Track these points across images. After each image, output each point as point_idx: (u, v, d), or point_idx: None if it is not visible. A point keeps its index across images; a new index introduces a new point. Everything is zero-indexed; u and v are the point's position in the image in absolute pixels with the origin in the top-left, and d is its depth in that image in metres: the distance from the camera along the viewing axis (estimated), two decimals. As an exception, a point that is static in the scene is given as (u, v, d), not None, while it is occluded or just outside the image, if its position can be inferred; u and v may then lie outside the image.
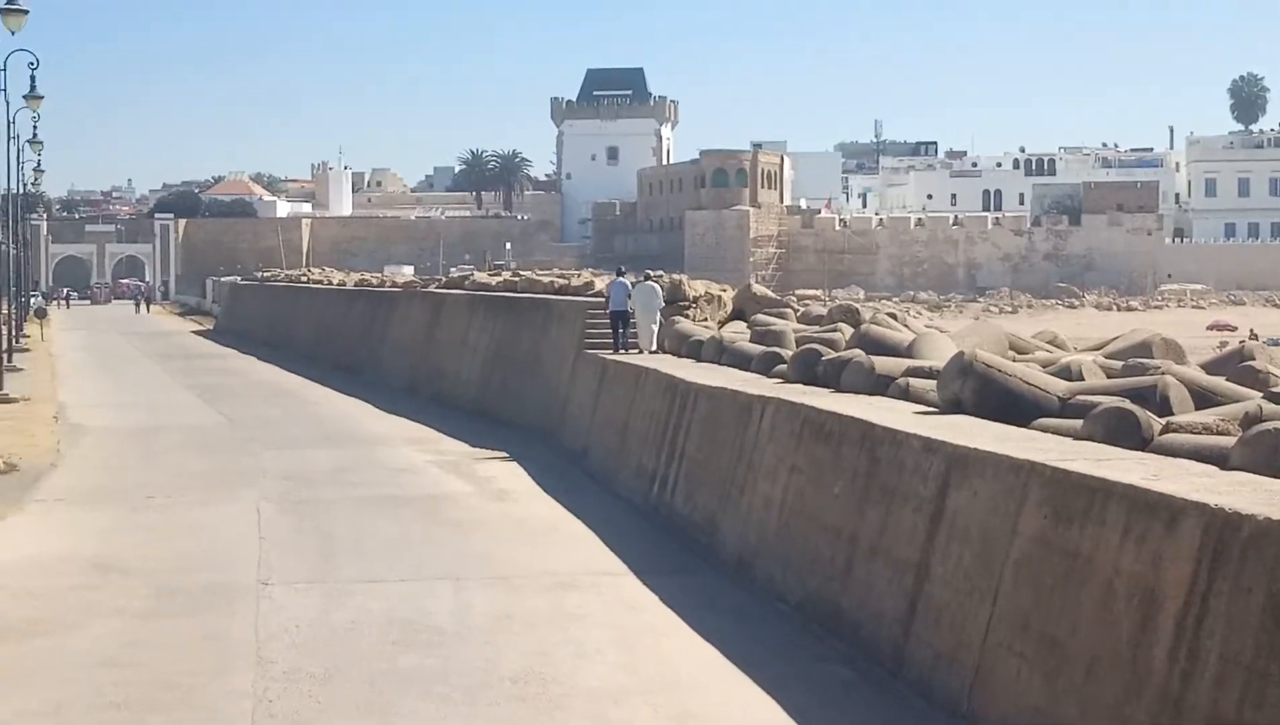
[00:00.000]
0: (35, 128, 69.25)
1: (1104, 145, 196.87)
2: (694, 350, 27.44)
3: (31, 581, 18.08)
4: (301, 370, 53.98)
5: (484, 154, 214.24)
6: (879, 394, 18.21)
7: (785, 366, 22.03)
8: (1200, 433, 12.90)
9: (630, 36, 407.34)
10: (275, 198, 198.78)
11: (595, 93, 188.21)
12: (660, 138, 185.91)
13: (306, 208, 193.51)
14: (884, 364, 19.44)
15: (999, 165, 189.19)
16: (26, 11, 39.59)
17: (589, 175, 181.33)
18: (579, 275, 49.27)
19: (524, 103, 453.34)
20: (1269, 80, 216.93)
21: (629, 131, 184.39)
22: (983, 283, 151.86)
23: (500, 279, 53.46)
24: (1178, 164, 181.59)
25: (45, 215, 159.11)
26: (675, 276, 36.56)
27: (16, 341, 64.04)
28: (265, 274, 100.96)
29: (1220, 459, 11.51)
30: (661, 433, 23.10)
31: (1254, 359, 17.70)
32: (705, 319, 31.97)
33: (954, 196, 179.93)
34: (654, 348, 29.74)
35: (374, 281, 73.44)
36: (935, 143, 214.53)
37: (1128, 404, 13.64)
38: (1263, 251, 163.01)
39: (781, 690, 12.92)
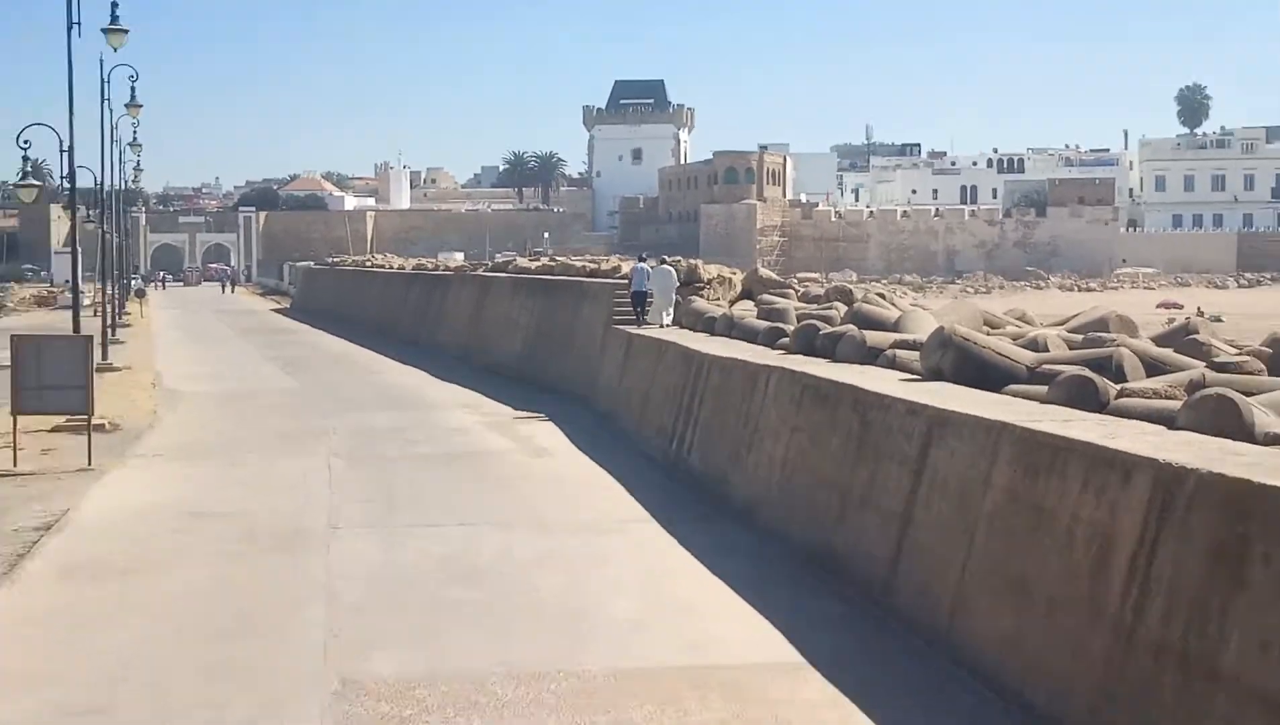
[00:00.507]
0: (135, 132, 70.06)
1: (1066, 146, 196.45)
2: (708, 326, 27.44)
3: (134, 526, 18.15)
4: (367, 343, 54.02)
5: (525, 155, 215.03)
6: (869, 363, 18.19)
7: (787, 339, 22.01)
8: (1151, 397, 12.88)
9: (652, 52, 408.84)
10: (343, 193, 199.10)
11: (622, 101, 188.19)
12: (679, 141, 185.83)
13: (370, 202, 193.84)
14: (874, 337, 19.42)
15: (974, 164, 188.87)
16: (127, 30, 39.52)
17: (616, 174, 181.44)
18: (607, 260, 49.34)
19: (560, 110, 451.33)
20: (1211, 89, 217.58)
21: (651, 135, 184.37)
22: (960, 267, 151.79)
23: (539, 264, 53.52)
24: (1131, 163, 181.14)
25: (144, 208, 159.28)
26: (691, 261, 36.48)
27: (119, 318, 64.26)
28: (335, 260, 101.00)
29: (1168, 420, 11.49)
30: (680, 398, 23.10)
31: (1198, 333, 17.66)
32: (718, 299, 31.93)
33: (935, 191, 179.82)
34: (667, 322, 29.78)
35: (429, 266, 73.43)
36: (919, 144, 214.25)
37: (1087, 372, 13.61)
38: (1205, 239, 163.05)
39: (783, 620, 12.94)
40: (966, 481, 12.16)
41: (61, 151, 40.44)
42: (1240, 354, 15.96)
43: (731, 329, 25.91)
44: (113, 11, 38.09)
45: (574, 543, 16.79)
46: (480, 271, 56.76)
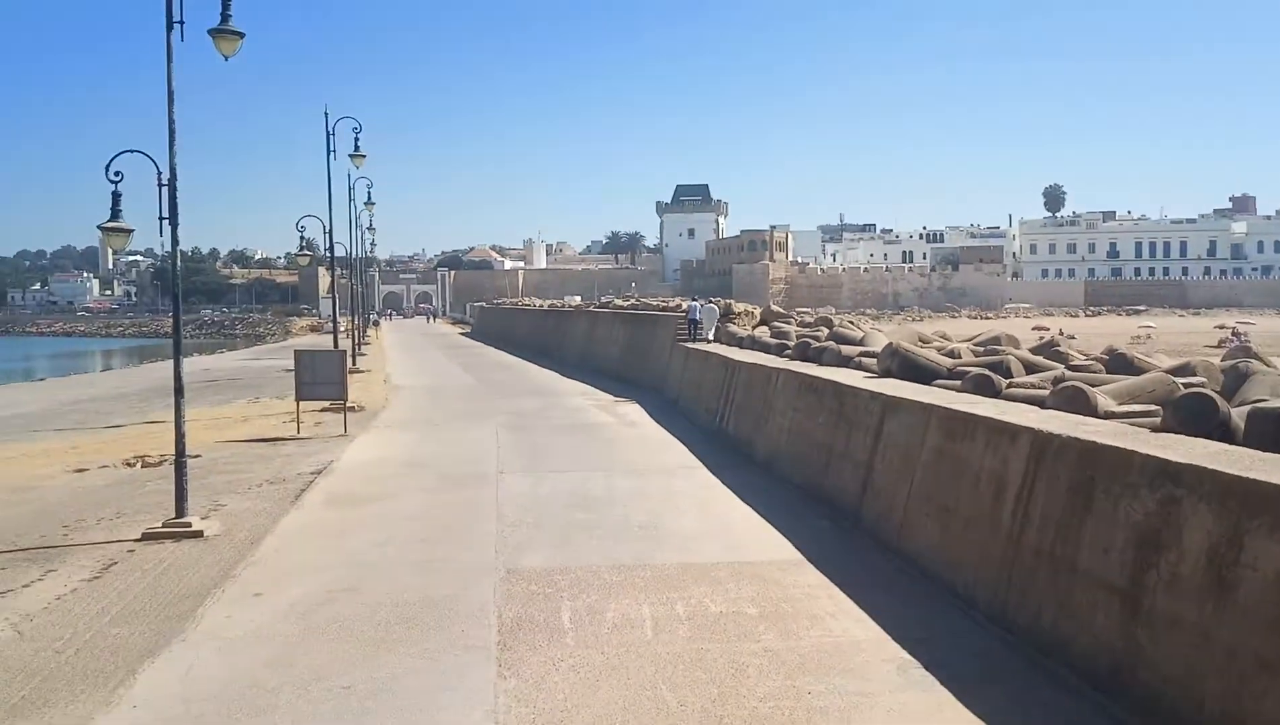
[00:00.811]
0: (371, 219, 68.07)
1: (971, 224, 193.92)
2: (738, 342, 27.38)
3: (372, 471, 18.37)
4: (519, 355, 54.34)
5: (619, 233, 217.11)
6: (844, 367, 18.10)
7: (790, 351, 21.91)
8: (1029, 388, 12.75)
9: (701, 166, 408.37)
10: (503, 258, 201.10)
11: (681, 198, 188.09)
12: (718, 223, 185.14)
13: (520, 263, 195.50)
14: (846, 349, 19.30)
15: (910, 236, 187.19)
16: (365, 156, 39.44)
17: (678, 245, 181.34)
18: (672, 301, 49.36)
19: (642, 204, 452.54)
20: (1066, 186, 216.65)
21: (700, 221, 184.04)
22: (902, 303, 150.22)
23: (629, 303, 53.63)
24: (1014, 235, 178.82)
25: (377, 268, 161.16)
26: (727, 301, 36.50)
27: (362, 339, 65.06)
28: (499, 301, 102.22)
29: (1040, 403, 11.37)
30: (720, 388, 23.07)
31: (1059, 346, 17.44)
32: (744, 325, 31.84)
33: (885, 255, 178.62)
34: (712, 339, 29.88)
35: (558, 305, 74.08)
36: (874, 223, 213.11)
37: (987, 371, 13.48)
38: (1063, 286, 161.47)
39: (789, 532, 12.90)
40: (909, 442, 12.08)
41: (324, 233, 41.00)
42: (1087, 360, 15.77)
43: (753, 344, 25.84)
44: (355, 144, 38.58)
45: (653, 482, 16.82)
46: (590, 308, 56.96)
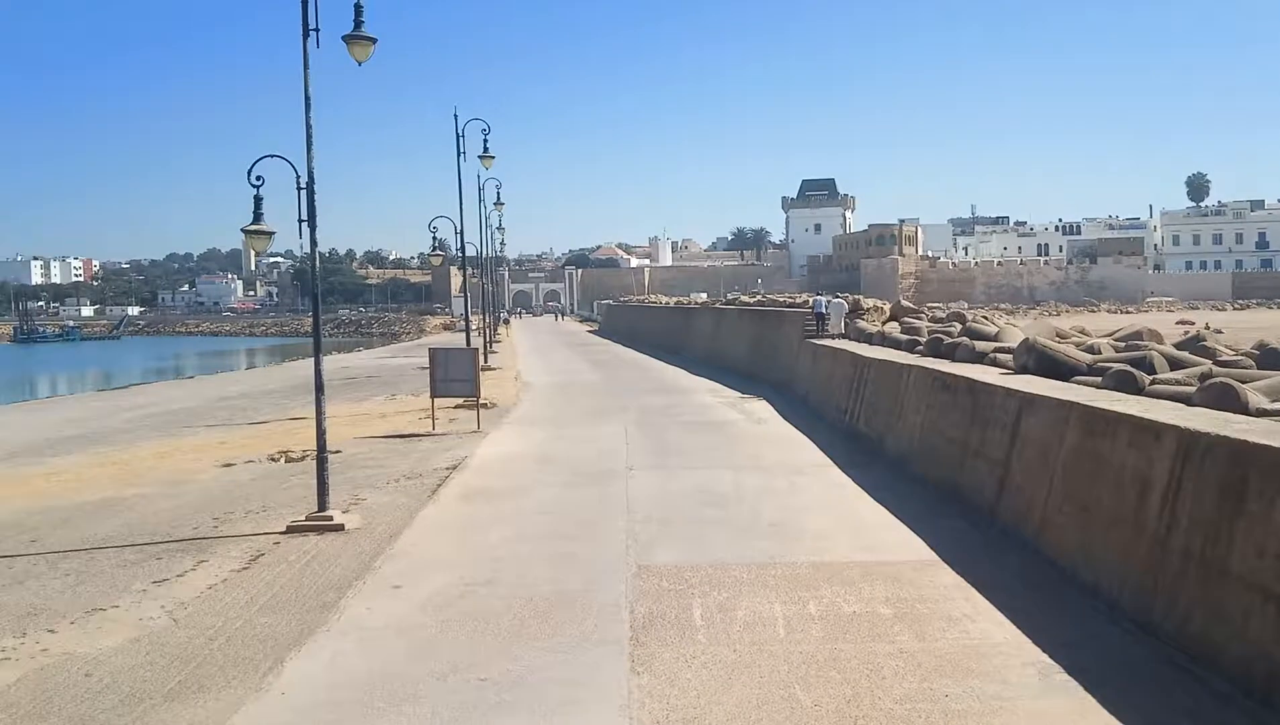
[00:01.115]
0: (500, 220, 68.89)
1: (1109, 216, 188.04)
2: (867, 338, 26.98)
3: (505, 466, 18.66)
4: (645, 352, 54.55)
5: (744, 229, 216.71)
6: (977, 363, 17.70)
7: (921, 347, 21.51)
8: (1174, 385, 12.29)
9: (829, 159, 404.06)
10: (629, 256, 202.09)
11: (807, 193, 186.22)
12: (845, 218, 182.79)
13: (646, 261, 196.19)
14: (980, 345, 18.87)
15: (1046, 229, 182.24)
16: (494, 157, 40.01)
17: (804, 240, 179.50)
18: (799, 296, 48.99)
19: (767, 199, 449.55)
20: (1210, 176, 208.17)
21: (826, 216, 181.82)
22: (1038, 298, 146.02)
23: (755, 299, 53.42)
24: (1155, 226, 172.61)
25: (507, 268, 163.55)
26: (855, 296, 36.13)
27: (493, 337, 66.15)
28: (625, 299, 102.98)
29: (1186, 400, 10.97)
30: (850, 384, 22.80)
31: (1205, 340, 16.75)
32: (873, 320, 31.37)
33: (1020, 248, 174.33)
34: (840, 333, 29.60)
35: (684, 302, 74.12)
36: (1008, 216, 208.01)
37: (1129, 367, 13.04)
38: (1209, 278, 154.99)
39: (923, 532, 12.68)
40: (1047, 440, 11.75)
41: (456, 233, 41.77)
42: (1236, 354, 15.11)
43: (883, 340, 25.43)
44: (484, 146, 39.18)
45: (782, 479, 16.71)
46: (716, 305, 56.87)
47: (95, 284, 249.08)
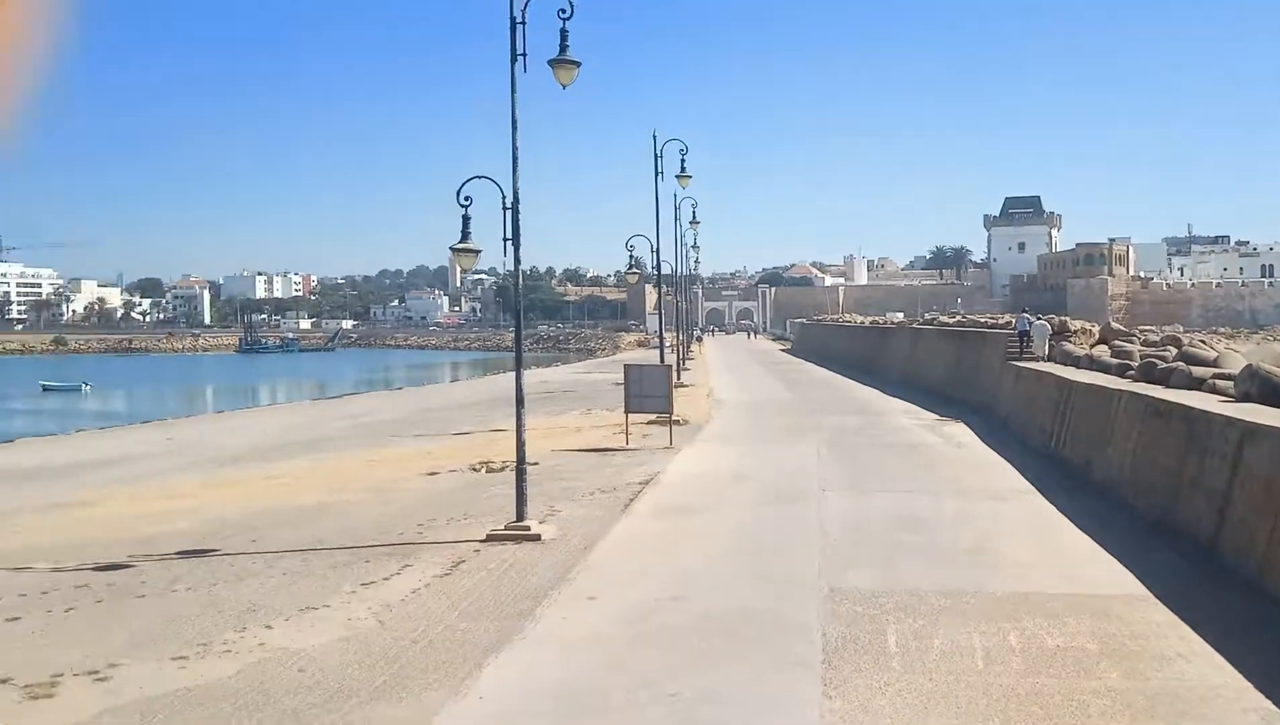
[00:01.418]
0: (695, 239, 68.21)
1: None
2: (1074, 361, 25.89)
3: (697, 483, 18.73)
4: (838, 371, 53.91)
5: (944, 248, 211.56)
6: (1194, 389, 16.75)
7: (1133, 372, 20.49)
8: None
9: (1033, 176, 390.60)
10: (823, 275, 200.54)
11: (1011, 211, 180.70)
12: (1050, 236, 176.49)
13: (840, 280, 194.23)
14: (1198, 371, 17.84)
15: (1271, 248, 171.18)
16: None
17: (1006, 260, 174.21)
18: (1001, 317, 47.49)
19: (967, 217, 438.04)
20: None
21: (1031, 234, 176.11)
22: (1261, 321, 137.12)
23: (955, 319, 52.08)
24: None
25: (700, 286, 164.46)
26: (1061, 318, 34.77)
27: (686, 355, 66.54)
28: (818, 317, 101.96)
29: None
30: (1054, 408, 21.92)
31: None
32: (1080, 343, 30.13)
33: (1241, 268, 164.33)
34: (1044, 356, 28.50)
35: (880, 322, 72.95)
36: (1228, 235, 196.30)
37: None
38: None
39: (1132, 565, 12.05)
40: (1272, 473, 11.00)
41: (651, 251, 42.23)
42: None
43: (1091, 363, 24.36)
44: (681, 165, 39.44)
45: (982, 506, 16.19)
46: (913, 325, 55.74)
47: (313, 298, 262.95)
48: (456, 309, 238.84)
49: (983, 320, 47.03)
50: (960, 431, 26.22)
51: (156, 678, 8.70)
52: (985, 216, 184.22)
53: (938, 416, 29.86)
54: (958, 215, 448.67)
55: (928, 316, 72.09)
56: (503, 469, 20.16)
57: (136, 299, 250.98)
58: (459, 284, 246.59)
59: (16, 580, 12.37)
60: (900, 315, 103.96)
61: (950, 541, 13.57)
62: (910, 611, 10.35)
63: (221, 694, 8.33)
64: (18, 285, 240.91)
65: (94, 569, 12.85)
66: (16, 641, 9.82)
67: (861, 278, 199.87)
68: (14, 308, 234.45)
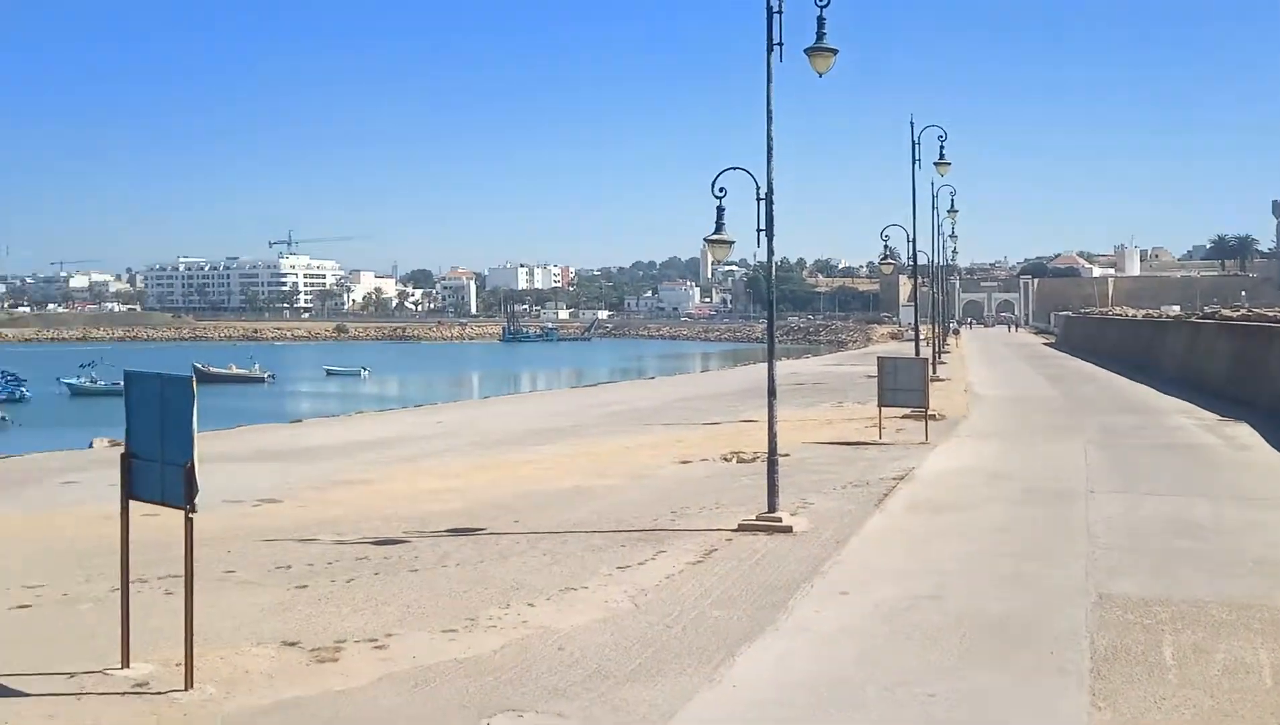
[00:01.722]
0: (953, 227, 64.68)
1: None
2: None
3: (954, 479, 18.22)
4: (1106, 367, 51.16)
5: (1226, 236, 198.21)
6: None
7: None
8: None
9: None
10: (1091, 266, 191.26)
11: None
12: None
13: (1110, 271, 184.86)
14: None
15: None
16: (950, 164, 38.98)
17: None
18: (1293, 311, 43.93)
19: (1254, 202, 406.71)
20: None
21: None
22: None
23: (1239, 313, 48.53)
24: None
25: (958, 277, 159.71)
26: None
27: (943, 347, 64.81)
28: (1085, 310, 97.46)
29: None
30: (1356, 412, 20.07)
31: None
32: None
33: None
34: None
35: (1153, 315, 68.94)
36: None
37: None
38: None
39: None
40: None
41: (907, 241, 41.41)
42: None
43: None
44: (940, 152, 38.37)
45: (1271, 513, 14.98)
46: (1191, 319, 52.23)
47: (571, 289, 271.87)
48: (707, 300, 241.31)
49: (1271, 314, 43.54)
50: (1244, 433, 24.35)
51: (429, 648, 9.18)
52: (1274, 202, 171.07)
53: (1218, 417, 27.83)
54: (1242, 201, 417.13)
55: (1208, 310, 67.41)
56: (753, 460, 20.19)
57: (409, 289, 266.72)
58: (710, 275, 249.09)
59: (306, 550, 13.34)
60: (1176, 308, 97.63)
61: (1234, 550, 12.63)
62: (1189, 623, 9.70)
63: (487, 667, 8.70)
64: (305, 276, 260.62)
65: (373, 543, 13.70)
66: (305, 608, 10.57)
67: (1134, 269, 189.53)
68: (301, 297, 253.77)
